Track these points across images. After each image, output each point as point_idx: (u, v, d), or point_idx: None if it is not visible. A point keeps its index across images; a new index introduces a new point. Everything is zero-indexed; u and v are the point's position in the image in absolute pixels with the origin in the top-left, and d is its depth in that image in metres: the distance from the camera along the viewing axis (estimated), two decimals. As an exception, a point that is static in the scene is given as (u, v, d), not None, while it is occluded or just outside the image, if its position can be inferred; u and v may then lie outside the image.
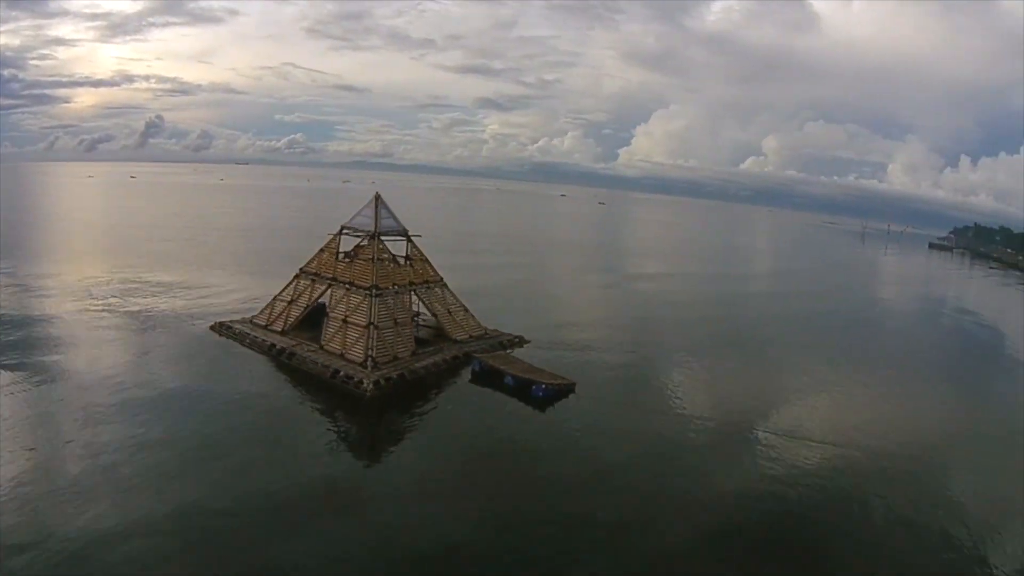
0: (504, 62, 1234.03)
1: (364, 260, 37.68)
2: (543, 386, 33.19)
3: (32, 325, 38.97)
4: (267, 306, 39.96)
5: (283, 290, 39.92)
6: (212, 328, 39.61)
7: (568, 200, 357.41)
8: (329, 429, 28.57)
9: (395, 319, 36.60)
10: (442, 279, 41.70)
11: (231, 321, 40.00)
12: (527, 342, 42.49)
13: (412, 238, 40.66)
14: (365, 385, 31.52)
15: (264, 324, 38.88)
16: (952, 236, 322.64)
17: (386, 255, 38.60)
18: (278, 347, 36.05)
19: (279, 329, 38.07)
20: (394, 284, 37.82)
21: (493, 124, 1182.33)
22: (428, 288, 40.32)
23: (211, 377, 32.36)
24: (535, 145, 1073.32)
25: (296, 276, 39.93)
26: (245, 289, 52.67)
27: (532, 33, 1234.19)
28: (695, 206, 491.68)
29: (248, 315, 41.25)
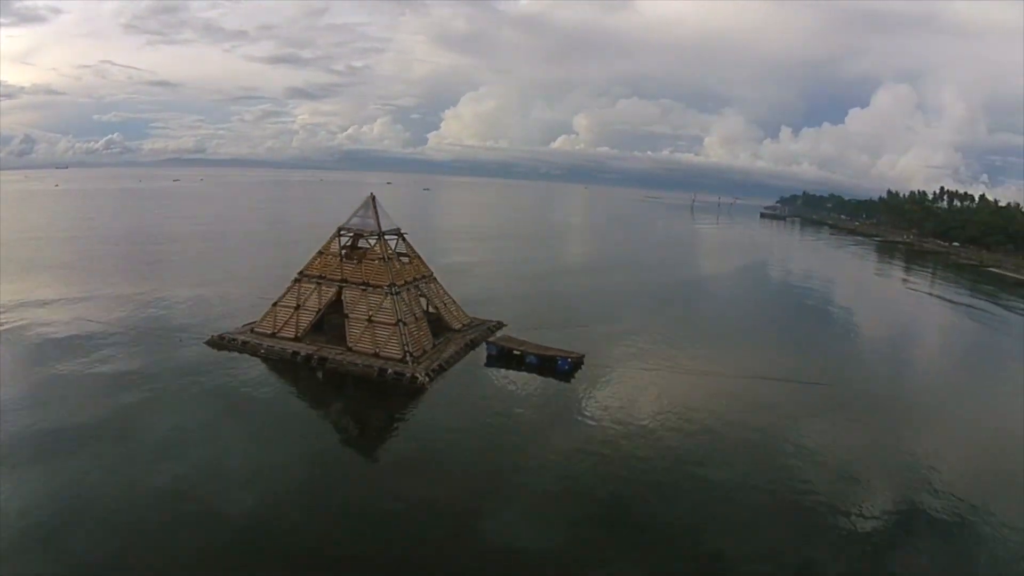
0: (314, 51, 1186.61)
1: (375, 260, 38.35)
2: (568, 360, 37.58)
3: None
4: (268, 314, 38.48)
5: (284, 296, 38.70)
6: (210, 343, 37.23)
7: (395, 188, 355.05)
8: (442, 424, 29.68)
9: (415, 314, 38.14)
10: (432, 273, 43.54)
11: (229, 333, 37.91)
12: (505, 326, 45.89)
13: (404, 235, 42.01)
14: (421, 379, 33.15)
15: (270, 332, 37.60)
16: (779, 205, 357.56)
17: (392, 254, 39.58)
18: (303, 354, 35.53)
19: (291, 336, 37.23)
20: (404, 281, 39.10)
21: (303, 114, 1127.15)
22: (426, 283, 42.03)
23: (261, 398, 31.31)
24: (344, 133, 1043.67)
25: (296, 281, 38.98)
26: (201, 298, 49.76)
27: (342, 20, 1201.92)
28: (512, 187, 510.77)
29: (222, 326, 39.38)
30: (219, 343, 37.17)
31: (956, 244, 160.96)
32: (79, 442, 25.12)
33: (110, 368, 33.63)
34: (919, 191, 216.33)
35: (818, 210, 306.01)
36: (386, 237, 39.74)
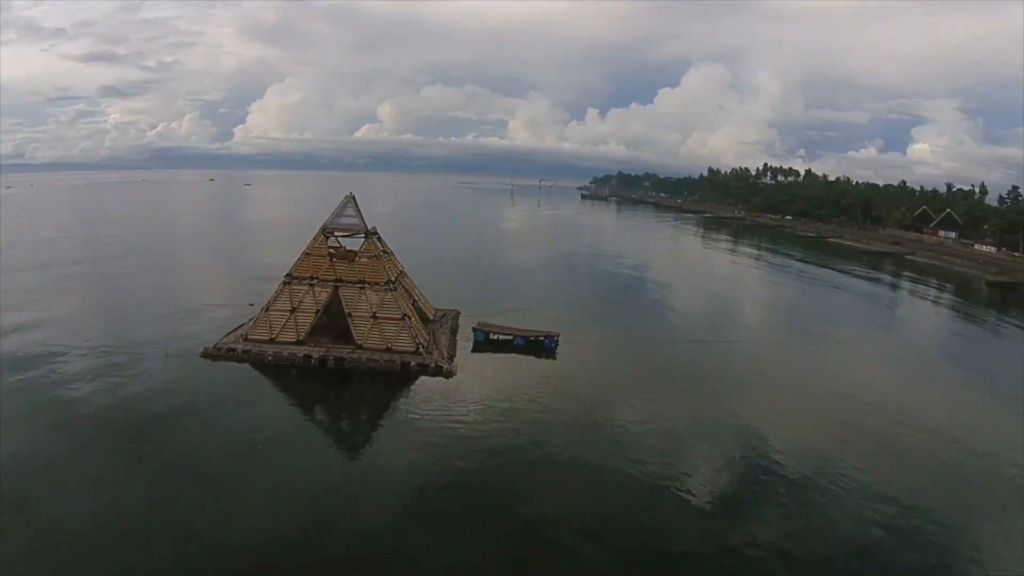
0: (128, 47, 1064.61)
1: (369, 258, 38.88)
2: (555, 339, 42.00)
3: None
4: (262, 319, 36.97)
5: (276, 300, 37.46)
6: (205, 356, 34.89)
7: (219, 184, 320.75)
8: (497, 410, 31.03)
9: (410, 308, 39.58)
10: (404, 269, 44.74)
11: (223, 344, 35.77)
12: (460, 314, 48.33)
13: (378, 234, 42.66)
14: (446, 369, 35.22)
15: (268, 338, 36.31)
16: (593, 185, 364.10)
17: (380, 251, 40.29)
18: (315, 357, 35.24)
19: (292, 339, 36.41)
20: (394, 277, 40.19)
21: (115, 112, 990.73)
22: (403, 277, 43.25)
23: (307, 412, 31.17)
24: (154, 131, 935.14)
25: (286, 284, 37.88)
26: (163, 306, 47.11)
27: (155, 14, 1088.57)
28: (325, 179, 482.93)
29: (207, 337, 37.15)
30: (215, 354, 35.16)
31: (789, 217, 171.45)
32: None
33: (130, 394, 30.30)
34: (742, 167, 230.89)
35: (635, 189, 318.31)
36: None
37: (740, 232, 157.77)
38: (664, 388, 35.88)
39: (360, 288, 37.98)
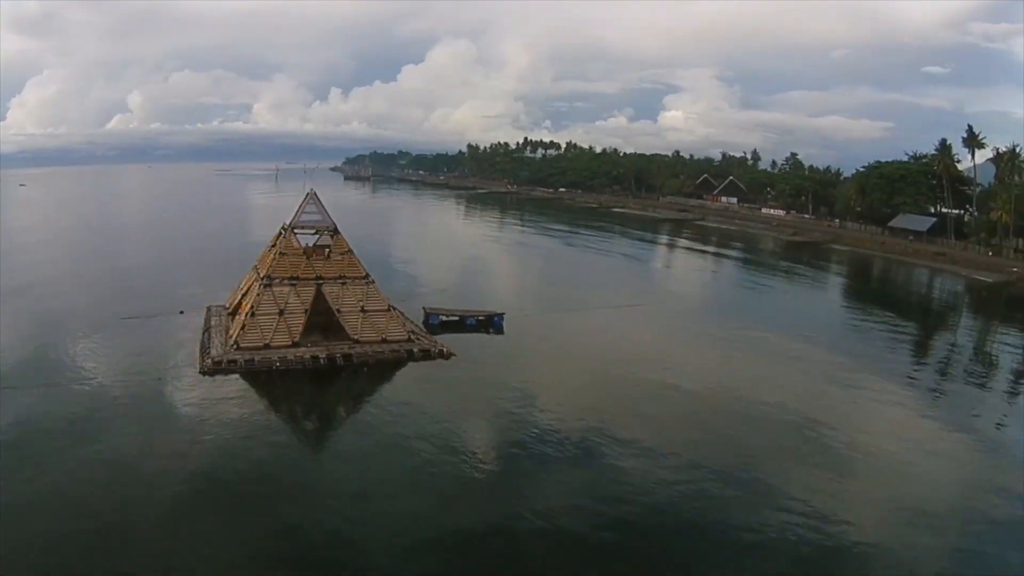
0: None
1: (343, 253, 39.09)
2: (501, 316, 47.20)
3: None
4: (250, 325, 34.94)
5: (260, 304, 35.64)
6: (204, 372, 32.22)
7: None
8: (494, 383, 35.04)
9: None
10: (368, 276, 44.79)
11: (220, 357, 33.22)
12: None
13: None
14: (446, 352, 38.37)
15: (262, 344, 34.77)
16: (346, 166, 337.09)
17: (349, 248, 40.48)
18: (322, 357, 35.27)
19: (288, 342, 35.50)
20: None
21: None
22: (343, 284, 43.48)
23: (363, 421, 30.99)
24: None
25: (265, 285, 36.19)
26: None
27: None
28: (81, 174, 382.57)
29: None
30: (215, 369, 32.88)
31: (563, 189, 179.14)
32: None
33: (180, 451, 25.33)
34: (501, 142, 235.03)
35: (391, 167, 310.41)
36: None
37: (523, 206, 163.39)
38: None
39: (342, 284, 38.35)
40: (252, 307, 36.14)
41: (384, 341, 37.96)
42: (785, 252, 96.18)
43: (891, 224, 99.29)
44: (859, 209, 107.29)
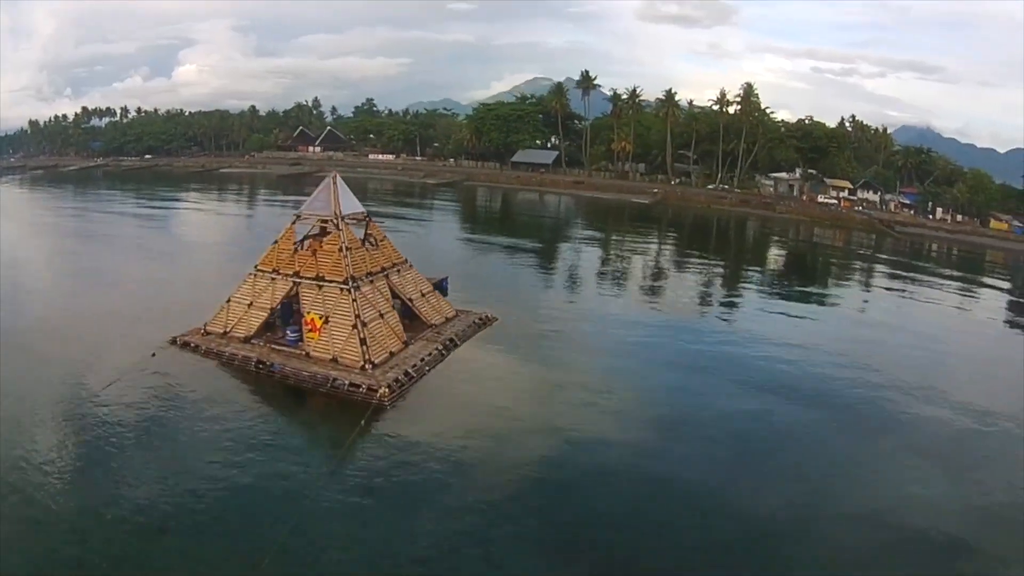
0: None
1: (331, 249, 34.39)
2: (447, 280, 42.22)
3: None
4: (221, 310, 35.24)
5: (238, 291, 35.36)
6: (174, 342, 34.40)
7: None
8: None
9: (380, 312, 34.31)
10: (407, 260, 39.43)
11: (184, 336, 34.83)
12: (495, 320, 41.06)
13: (372, 219, 37.88)
14: (381, 392, 29.24)
15: (222, 331, 34.47)
16: None
17: (355, 242, 35.56)
18: (254, 360, 32.31)
19: (242, 336, 34.04)
20: (368, 273, 35.22)
21: None
22: (398, 272, 38.00)
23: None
24: None
25: (252, 275, 35.49)
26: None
27: None
28: None
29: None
30: (182, 346, 34.24)
31: (148, 156, 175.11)
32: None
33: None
34: (62, 115, 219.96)
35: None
36: (348, 222, 35.68)
37: (126, 179, 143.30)
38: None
39: (319, 286, 33.75)
40: (232, 293, 35.46)
41: (335, 361, 31.74)
42: (435, 194, 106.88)
43: (514, 160, 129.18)
44: (471, 148, 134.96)
